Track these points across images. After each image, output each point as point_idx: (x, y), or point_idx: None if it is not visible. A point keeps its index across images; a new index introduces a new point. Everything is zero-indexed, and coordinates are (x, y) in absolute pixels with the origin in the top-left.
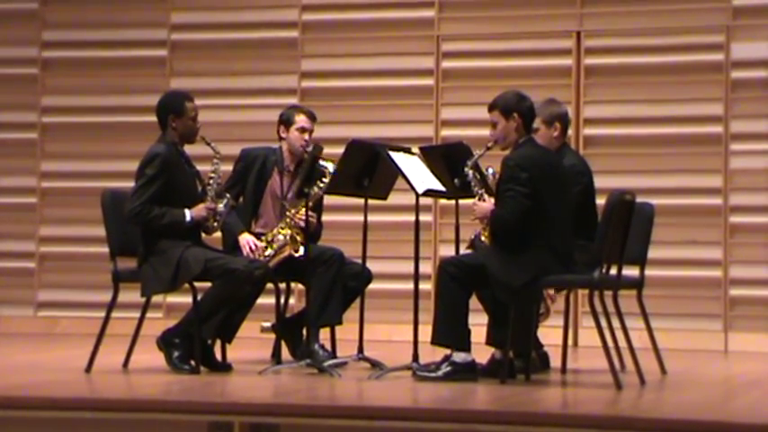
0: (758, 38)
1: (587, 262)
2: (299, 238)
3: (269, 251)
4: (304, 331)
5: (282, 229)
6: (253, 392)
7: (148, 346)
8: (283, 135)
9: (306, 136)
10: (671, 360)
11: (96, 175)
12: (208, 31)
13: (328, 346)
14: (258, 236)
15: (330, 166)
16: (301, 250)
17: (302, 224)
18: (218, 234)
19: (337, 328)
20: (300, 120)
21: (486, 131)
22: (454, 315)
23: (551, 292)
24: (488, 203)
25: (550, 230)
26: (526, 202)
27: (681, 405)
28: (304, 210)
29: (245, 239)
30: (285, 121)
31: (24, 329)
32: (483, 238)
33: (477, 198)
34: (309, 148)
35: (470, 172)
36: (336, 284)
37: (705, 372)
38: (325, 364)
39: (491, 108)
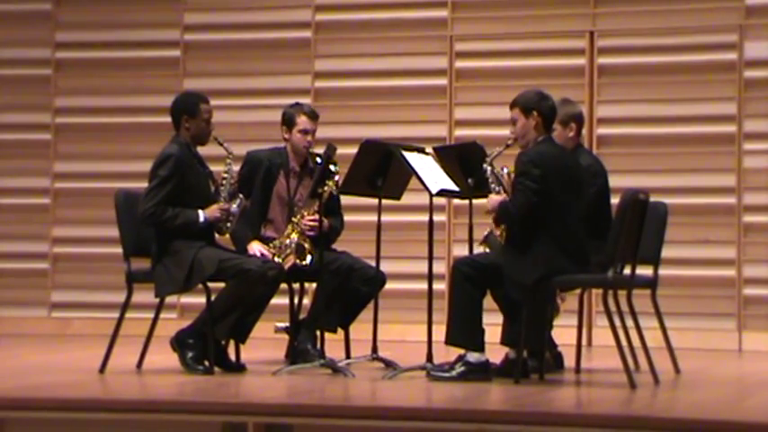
0: None
1: (601, 262)
2: (306, 245)
3: (277, 260)
4: (318, 332)
5: (289, 235)
6: (266, 393)
7: (162, 347)
8: (286, 136)
9: (308, 137)
10: (685, 359)
11: (109, 176)
12: (221, 32)
13: (342, 346)
14: (268, 240)
15: (333, 168)
16: (308, 259)
17: (309, 231)
18: (227, 237)
19: (352, 328)
20: (302, 121)
21: (499, 131)
22: (468, 315)
23: (563, 294)
24: (500, 196)
25: (563, 229)
26: (534, 198)
27: (695, 404)
28: (311, 214)
29: (254, 249)
30: (287, 122)
31: (38, 330)
32: (497, 233)
33: (493, 194)
34: (317, 150)
35: (488, 168)
36: (338, 294)
37: (719, 371)
38: (340, 364)
39: (512, 106)
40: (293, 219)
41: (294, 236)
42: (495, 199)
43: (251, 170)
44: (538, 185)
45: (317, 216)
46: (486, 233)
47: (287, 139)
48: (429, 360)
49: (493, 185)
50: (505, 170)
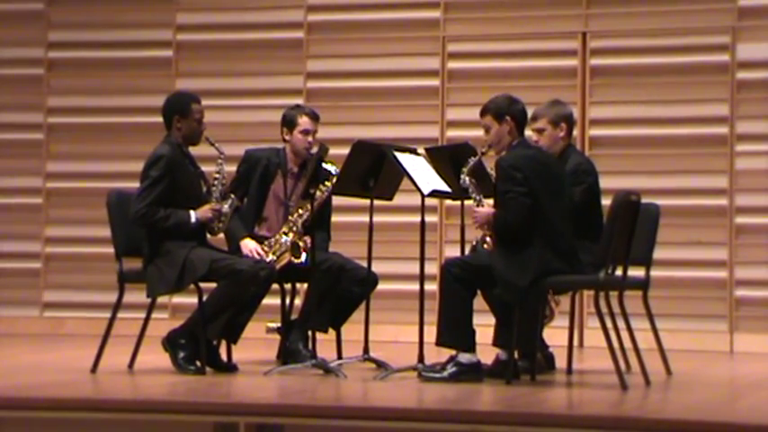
0: (763, 39)
1: (593, 263)
2: (300, 243)
3: (270, 257)
4: (309, 332)
5: (285, 233)
6: (258, 393)
7: (154, 347)
8: (286, 137)
9: (309, 138)
10: (676, 361)
11: (102, 176)
12: (213, 32)
13: (334, 346)
14: (262, 239)
15: (333, 169)
16: (303, 257)
17: (304, 230)
18: (222, 236)
19: (343, 329)
20: (303, 122)
21: None
22: (458, 316)
23: (557, 298)
24: (488, 208)
25: (551, 228)
26: (527, 201)
27: (686, 406)
28: (307, 214)
29: (248, 247)
30: (288, 123)
31: (30, 330)
32: (485, 246)
33: (475, 204)
34: (314, 150)
35: (467, 178)
36: (330, 294)
37: (710, 372)
38: (332, 364)
39: (483, 113)
40: (290, 217)
41: (290, 234)
42: (482, 212)
43: (249, 168)
44: (525, 188)
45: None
46: (474, 243)
47: (287, 141)
48: (420, 361)
49: (473, 194)
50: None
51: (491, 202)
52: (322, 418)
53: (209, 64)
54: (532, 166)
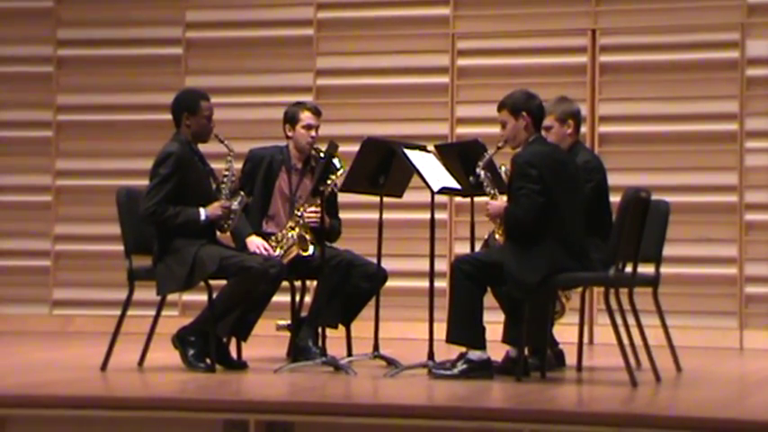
0: None
1: (602, 259)
2: (308, 236)
3: (278, 251)
4: (319, 329)
5: (292, 228)
6: (268, 390)
7: (164, 345)
8: (289, 133)
9: (312, 132)
10: (686, 357)
11: (111, 173)
12: (223, 29)
13: (343, 344)
14: (269, 236)
15: (338, 163)
16: (310, 249)
17: (312, 222)
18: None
19: (353, 326)
20: (305, 117)
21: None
22: (469, 313)
23: (568, 293)
24: (501, 202)
25: (563, 226)
26: (539, 199)
27: (696, 402)
28: (313, 207)
29: (254, 244)
30: (290, 119)
31: (39, 328)
32: (497, 236)
33: (489, 198)
34: (321, 146)
35: (482, 172)
36: (339, 290)
37: (720, 369)
38: (341, 361)
39: (500, 108)
40: (296, 212)
41: (297, 229)
42: (495, 205)
43: (253, 167)
44: (539, 186)
45: (318, 209)
46: (486, 237)
47: (290, 137)
48: (430, 358)
49: (488, 188)
50: (503, 168)
51: (505, 198)
52: (332, 416)
53: (218, 61)
54: (548, 163)
